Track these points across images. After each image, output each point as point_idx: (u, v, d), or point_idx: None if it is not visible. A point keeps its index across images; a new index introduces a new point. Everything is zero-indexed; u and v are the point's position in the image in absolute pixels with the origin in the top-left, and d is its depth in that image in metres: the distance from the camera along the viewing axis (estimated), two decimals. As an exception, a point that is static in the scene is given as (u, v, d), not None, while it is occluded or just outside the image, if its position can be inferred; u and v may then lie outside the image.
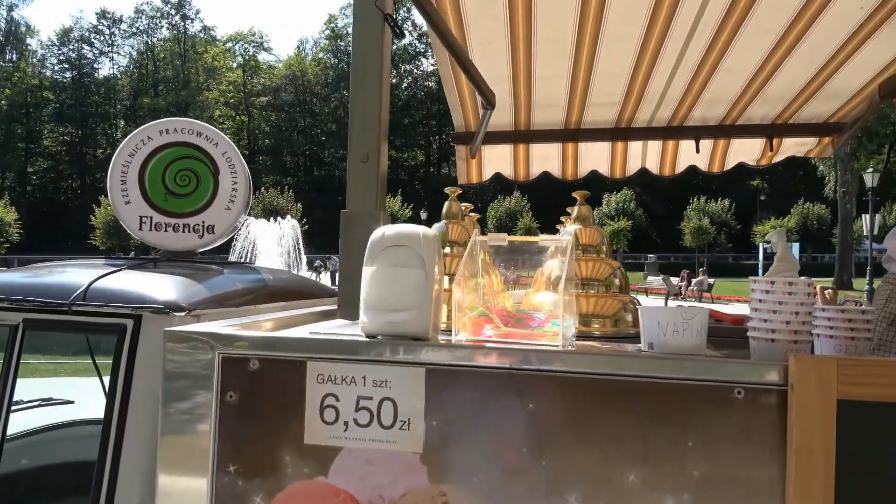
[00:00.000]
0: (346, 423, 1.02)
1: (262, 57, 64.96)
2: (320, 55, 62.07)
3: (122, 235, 33.53)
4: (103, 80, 60.45)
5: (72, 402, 2.57)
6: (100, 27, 60.73)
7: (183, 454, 1.07)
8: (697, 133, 3.08)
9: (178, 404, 1.07)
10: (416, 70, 60.75)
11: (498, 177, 3.55)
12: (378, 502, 1.01)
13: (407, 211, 36.07)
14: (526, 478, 0.97)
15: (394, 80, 57.01)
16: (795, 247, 32.25)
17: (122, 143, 1.99)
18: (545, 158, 3.41)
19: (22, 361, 1.45)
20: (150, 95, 58.23)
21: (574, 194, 1.47)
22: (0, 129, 54.36)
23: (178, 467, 1.06)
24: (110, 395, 1.35)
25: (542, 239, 1.25)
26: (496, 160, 3.47)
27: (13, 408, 1.49)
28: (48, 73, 59.53)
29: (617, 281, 1.39)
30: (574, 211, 1.47)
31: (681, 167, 3.27)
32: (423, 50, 60.22)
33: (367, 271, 1.07)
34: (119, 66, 61.81)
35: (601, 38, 2.41)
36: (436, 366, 1.00)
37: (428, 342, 1.03)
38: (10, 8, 57.72)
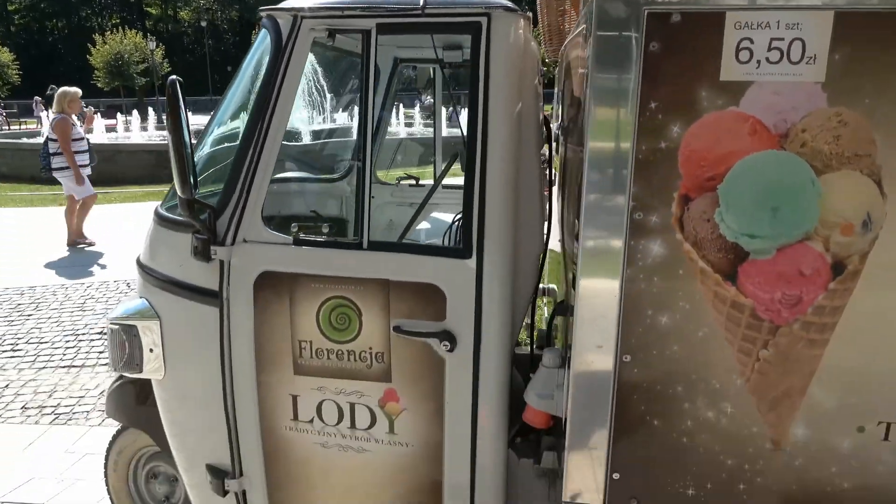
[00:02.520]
0: (758, 62, 1.26)
1: None
2: None
3: (125, 75, 32.61)
4: None
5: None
6: None
7: (611, 90, 1.32)
8: None
9: (605, 59, 1.30)
10: None
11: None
12: (781, 125, 1.28)
13: None
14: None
15: None
16: None
17: None
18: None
19: None
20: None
21: None
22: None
23: (606, 100, 1.32)
24: (472, 95, 1.58)
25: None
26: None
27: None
28: None
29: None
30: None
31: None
32: None
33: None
34: None
35: None
36: (843, 9, 1.22)
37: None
38: None
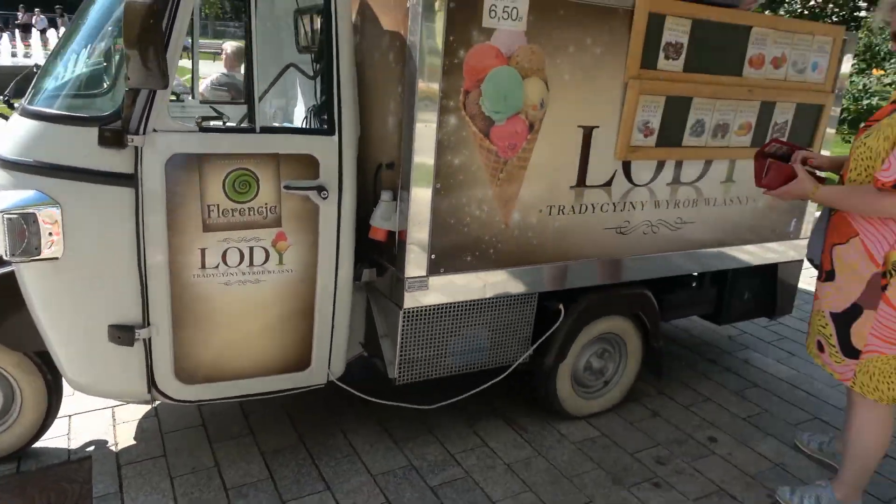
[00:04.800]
0: (499, 18, 2.42)
1: None
2: None
3: None
4: None
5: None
6: None
7: (430, 29, 2.32)
8: None
9: (427, 10, 2.29)
10: None
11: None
12: (509, 51, 2.49)
13: None
14: None
15: None
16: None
17: None
18: None
19: None
20: None
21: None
22: None
23: (428, 34, 2.32)
24: (326, 19, 2.36)
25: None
26: None
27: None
28: None
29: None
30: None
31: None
32: None
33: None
34: None
35: None
36: (532, -6, 2.47)
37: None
38: None
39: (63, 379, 2.62)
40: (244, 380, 2.61)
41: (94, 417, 3.08)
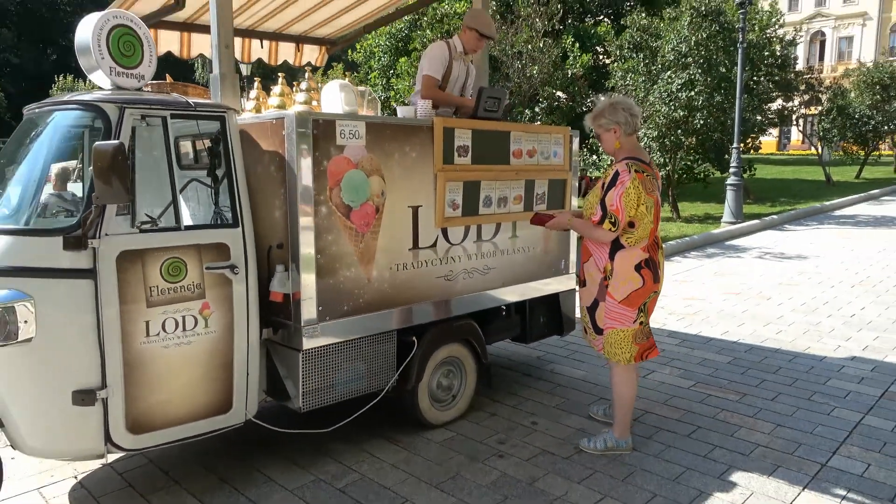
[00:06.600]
0: (348, 138, 3.55)
1: None
2: None
3: None
4: None
5: None
6: None
7: (303, 147, 3.38)
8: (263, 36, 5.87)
9: (301, 136, 3.36)
10: None
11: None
12: (356, 159, 3.61)
13: None
14: None
15: None
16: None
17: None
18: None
19: None
20: None
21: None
22: None
23: (302, 149, 3.38)
24: (224, 150, 3.33)
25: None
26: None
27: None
28: None
29: None
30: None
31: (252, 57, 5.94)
32: None
33: None
34: None
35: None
36: (368, 120, 3.64)
37: None
38: None
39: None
40: (181, 425, 3.28)
41: (23, 500, 3.45)
